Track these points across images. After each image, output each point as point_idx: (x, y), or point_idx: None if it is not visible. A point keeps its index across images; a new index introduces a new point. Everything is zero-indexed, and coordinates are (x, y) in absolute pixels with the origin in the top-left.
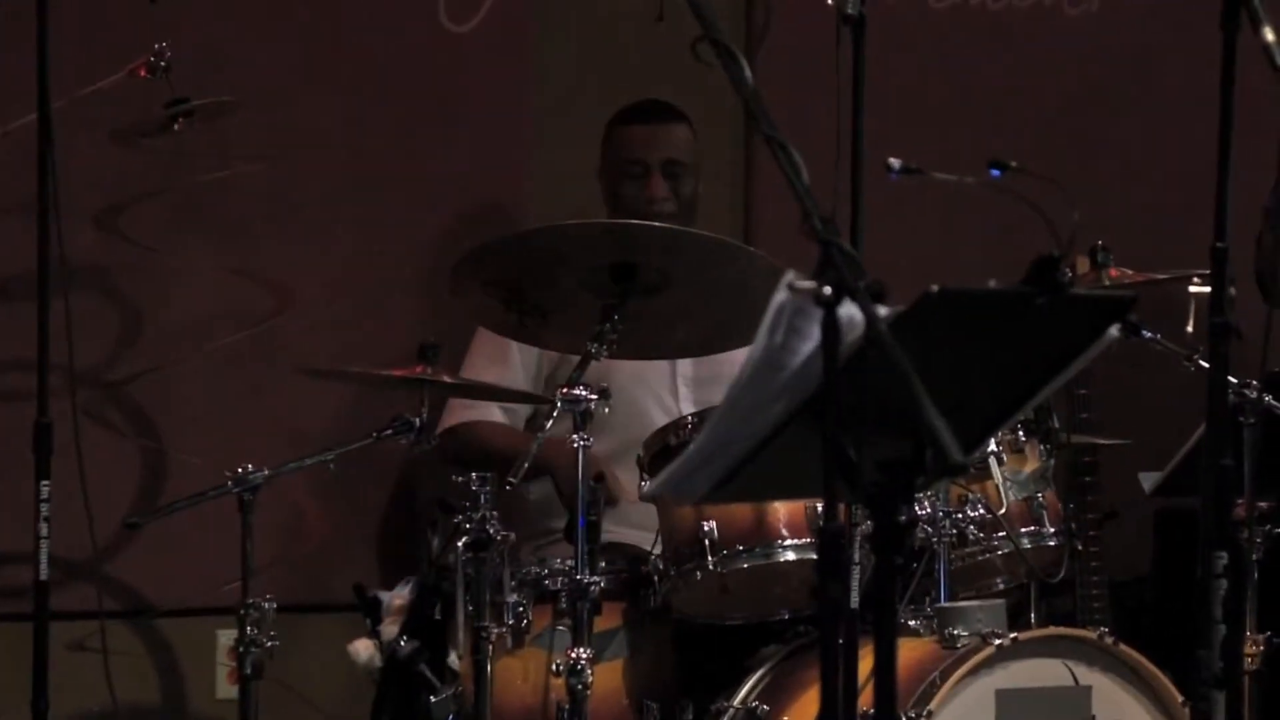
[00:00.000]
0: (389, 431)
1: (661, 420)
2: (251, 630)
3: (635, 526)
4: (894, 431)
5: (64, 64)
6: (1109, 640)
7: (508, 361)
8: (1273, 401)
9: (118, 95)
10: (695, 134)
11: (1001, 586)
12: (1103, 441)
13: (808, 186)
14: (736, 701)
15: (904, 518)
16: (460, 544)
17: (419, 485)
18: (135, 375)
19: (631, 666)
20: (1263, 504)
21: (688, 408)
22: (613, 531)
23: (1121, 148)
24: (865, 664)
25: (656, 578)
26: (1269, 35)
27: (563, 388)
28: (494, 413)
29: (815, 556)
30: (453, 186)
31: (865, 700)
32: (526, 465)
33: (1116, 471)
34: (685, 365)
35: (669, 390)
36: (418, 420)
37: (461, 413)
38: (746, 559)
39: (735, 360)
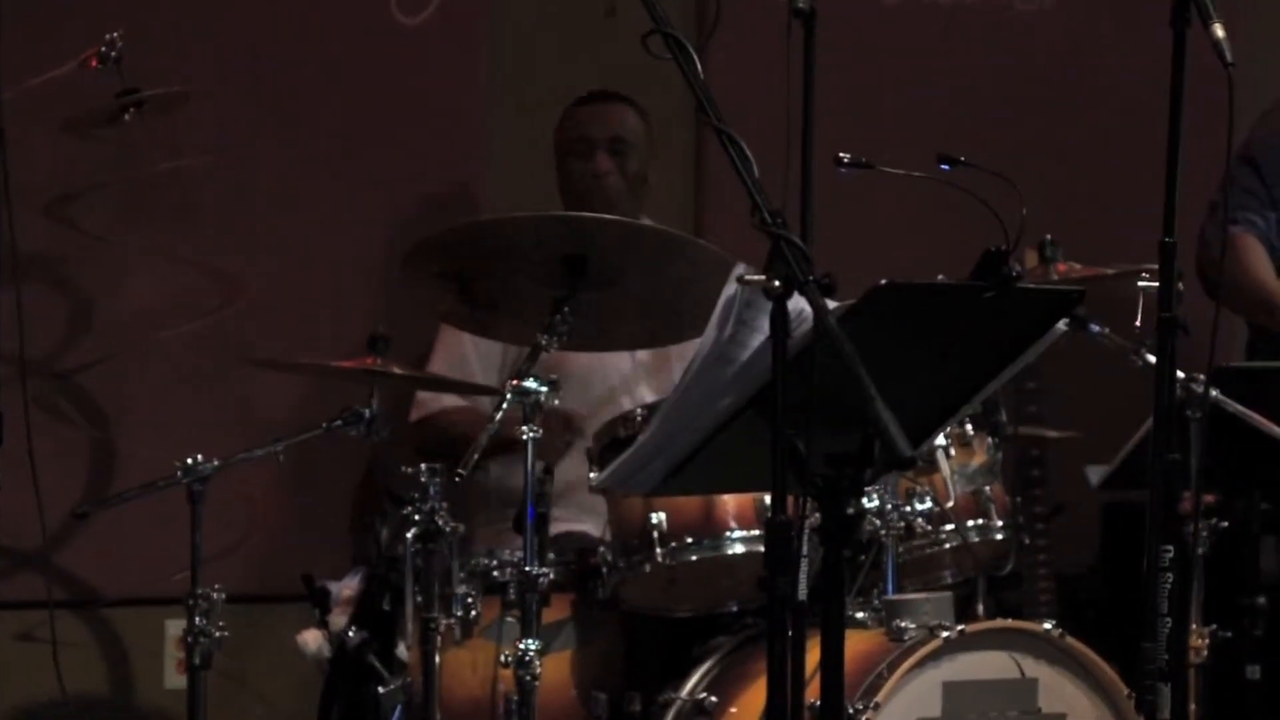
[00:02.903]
0: (339, 423)
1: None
2: (200, 620)
3: (587, 512)
4: (843, 424)
5: (14, 54)
6: (1056, 633)
7: (465, 360)
8: (1219, 396)
9: (69, 85)
10: (648, 122)
11: (949, 579)
12: (1050, 435)
13: (758, 179)
14: (684, 693)
15: (852, 510)
16: (409, 535)
17: (369, 476)
18: (86, 365)
19: (580, 658)
20: (1208, 498)
21: (649, 397)
22: (562, 518)
23: (1070, 143)
24: (813, 656)
25: (605, 569)
26: (1219, 31)
27: (513, 379)
28: (478, 399)
29: (764, 549)
30: (404, 178)
31: (813, 692)
32: (477, 456)
33: (1064, 465)
34: (643, 355)
35: (624, 379)
36: (368, 411)
37: (434, 400)
38: (695, 551)
39: (680, 352)
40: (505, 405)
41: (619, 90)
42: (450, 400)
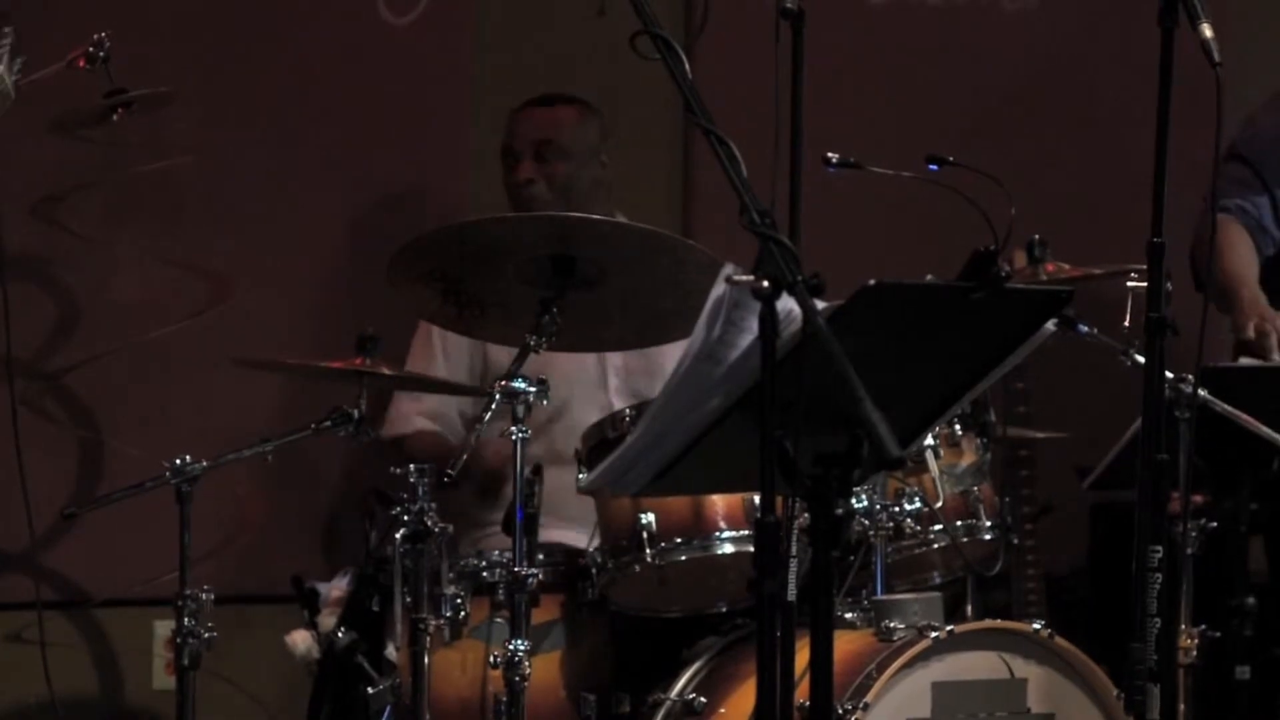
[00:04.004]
0: (327, 423)
1: (594, 415)
2: (189, 621)
3: (573, 522)
4: (831, 425)
5: None
6: (1045, 633)
7: (434, 359)
8: (1208, 396)
9: (56, 86)
10: (594, 121)
11: (938, 580)
12: (1039, 435)
13: (746, 180)
14: (673, 693)
15: (841, 511)
16: (398, 536)
17: (357, 477)
18: (73, 365)
19: (569, 659)
20: (1197, 498)
21: (619, 401)
22: (548, 528)
23: (1059, 143)
24: (802, 656)
25: (594, 570)
26: (1207, 31)
27: (500, 380)
28: (448, 415)
29: (753, 549)
30: (392, 178)
31: (802, 693)
32: (465, 457)
33: (1052, 465)
34: (614, 358)
35: (599, 384)
36: (356, 412)
37: (404, 422)
38: (684, 551)
39: (666, 353)
40: (494, 406)
41: (566, 92)
42: (423, 423)
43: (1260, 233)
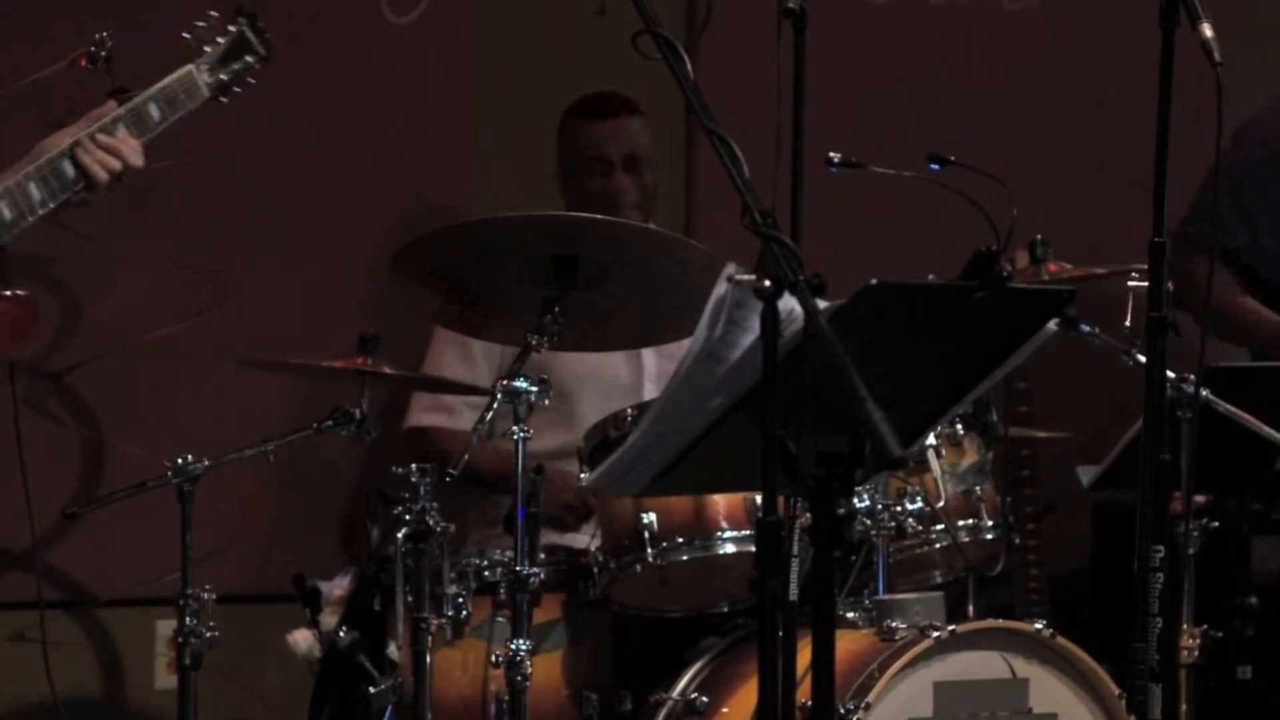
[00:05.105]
0: (329, 423)
1: None
2: (191, 620)
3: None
4: (833, 424)
5: (3, 54)
6: (1046, 633)
7: (472, 359)
8: (1210, 396)
9: (58, 85)
10: (652, 128)
11: (940, 579)
12: (1041, 435)
13: (748, 179)
14: (675, 693)
15: (843, 510)
16: (400, 535)
17: (359, 476)
18: (75, 365)
19: (570, 658)
20: (1199, 498)
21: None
22: (549, 534)
23: (1060, 143)
24: (804, 656)
25: (596, 570)
26: (1207, 31)
27: (502, 379)
28: (461, 417)
29: (755, 549)
30: (395, 177)
31: (804, 692)
32: (466, 457)
33: (1054, 465)
34: (649, 357)
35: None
36: (358, 412)
37: (426, 415)
38: (686, 551)
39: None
40: (495, 405)
41: (619, 92)
42: (449, 416)
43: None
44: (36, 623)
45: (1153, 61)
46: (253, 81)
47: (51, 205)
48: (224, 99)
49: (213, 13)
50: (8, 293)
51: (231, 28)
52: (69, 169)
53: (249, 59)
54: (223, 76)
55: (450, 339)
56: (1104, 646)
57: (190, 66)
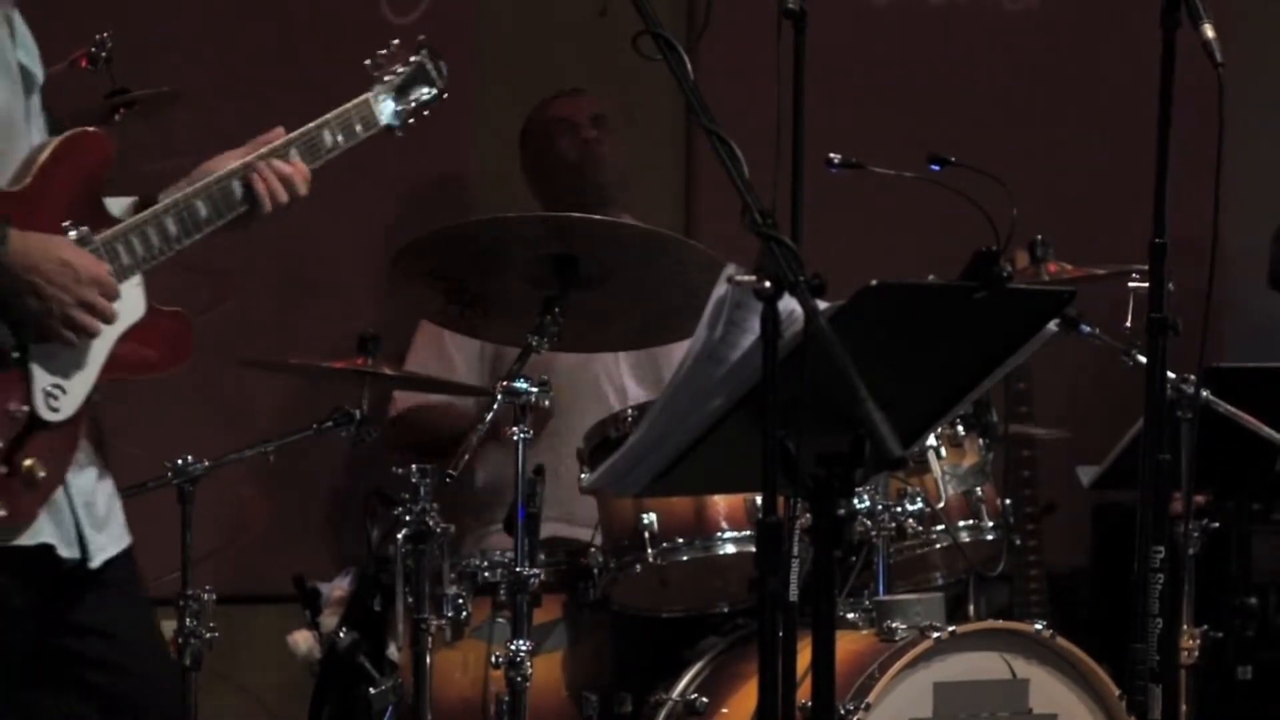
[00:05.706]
0: (329, 423)
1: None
2: (191, 621)
3: (579, 524)
4: (833, 425)
5: None
6: (1046, 633)
7: (445, 355)
8: (1210, 397)
9: (58, 85)
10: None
11: (940, 580)
12: (1041, 435)
13: (748, 180)
14: (675, 693)
15: (843, 511)
16: (400, 536)
17: (359, 477)
18: None
19: (571, 658)
20: (1199, 498)
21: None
22: (553, 525)
23: (1060, 143)
24: (804, 657)
25: (596, 570)
26: (1209, 31)
27: (502, 380)
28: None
29: (755, 549)
30: (394, 179)
31: (804, 693)
32: (467, 458)
33: (1054, 465)
34: (628, 356)
35: (613, 382)
36: (358, 412)
37: (406, 400)
38: (686, 551)
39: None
40: (496, 406)
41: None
42: (423, 398)
43: None
44: None
45: (1153, 62)
46: (427, 114)
47: (217, 224)
48: (399, 131)
49: (395, 41)
50: (167, 309)
51: (413, 58)
52: (238, 189)
53: (426, 91)
54: (400, 107)
55: (426, 340)
56: (1104, 647)
57: (368, 95)
